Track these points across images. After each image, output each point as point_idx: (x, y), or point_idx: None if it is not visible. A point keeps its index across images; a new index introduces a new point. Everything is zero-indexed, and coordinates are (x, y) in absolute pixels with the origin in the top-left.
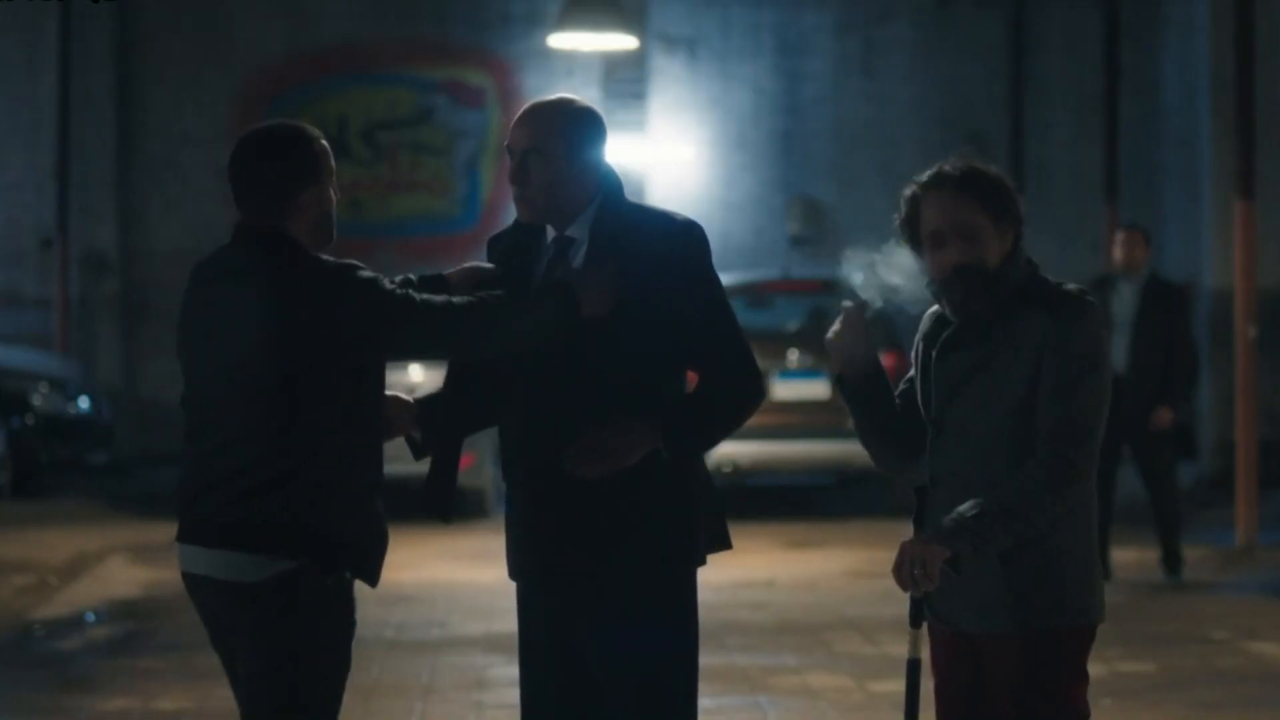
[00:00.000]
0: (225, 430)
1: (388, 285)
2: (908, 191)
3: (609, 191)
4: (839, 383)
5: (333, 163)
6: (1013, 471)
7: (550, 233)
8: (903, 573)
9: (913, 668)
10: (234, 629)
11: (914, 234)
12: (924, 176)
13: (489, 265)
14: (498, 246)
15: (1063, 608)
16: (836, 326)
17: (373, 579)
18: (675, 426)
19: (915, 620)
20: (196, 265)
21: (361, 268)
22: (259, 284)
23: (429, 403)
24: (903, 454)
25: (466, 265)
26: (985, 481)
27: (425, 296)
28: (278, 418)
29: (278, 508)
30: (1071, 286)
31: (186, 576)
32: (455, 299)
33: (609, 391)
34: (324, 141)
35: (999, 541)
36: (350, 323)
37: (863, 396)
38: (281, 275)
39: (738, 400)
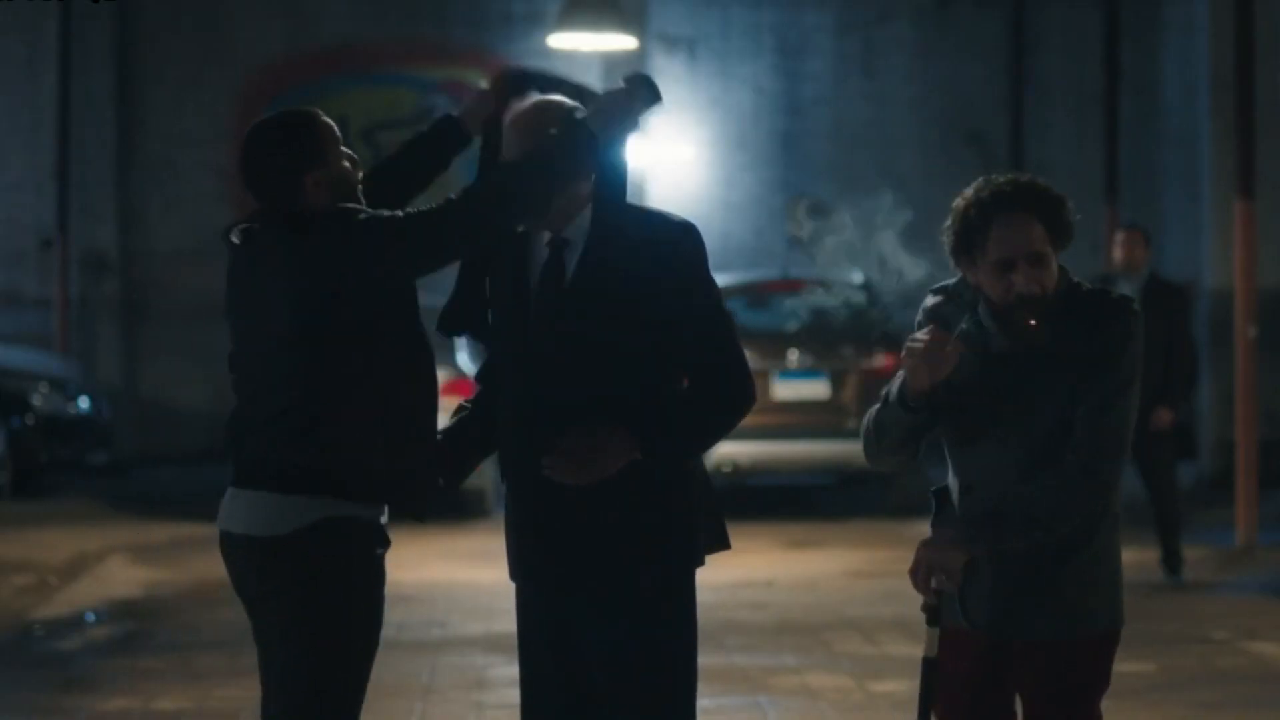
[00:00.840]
0: (258, 382)
1: (388, 214)
2: (967, 207)
3: (606, 190)
4: (900, 398)
5: (337, 133)
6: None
7: (545, 235)
8: (918, 577)
9: (929, 667)
10: (264, 584)
11: (966, 246)
12: (985, 193)
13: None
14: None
15: (1104, 612)
16: (920, 344)
17: (419, 514)
18: (655, 435)
19: (934, 620)
20: (226, 228)
21: (360, 210)
22: (272, 239)
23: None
24: (907, 456)
25: (472, 99)
26: (1023, 489)
27: (427, 207)
28: (304, 365)
29: (308, 451)
30: (1115, 295)
31: (223, 538)
32: (455, 195)
33: (605, 393)
34: (324, 119)
35: (1015, 546)
36: (364, 252)
37: (916, 420)
38: (289, 226)
39: (726, 406)
